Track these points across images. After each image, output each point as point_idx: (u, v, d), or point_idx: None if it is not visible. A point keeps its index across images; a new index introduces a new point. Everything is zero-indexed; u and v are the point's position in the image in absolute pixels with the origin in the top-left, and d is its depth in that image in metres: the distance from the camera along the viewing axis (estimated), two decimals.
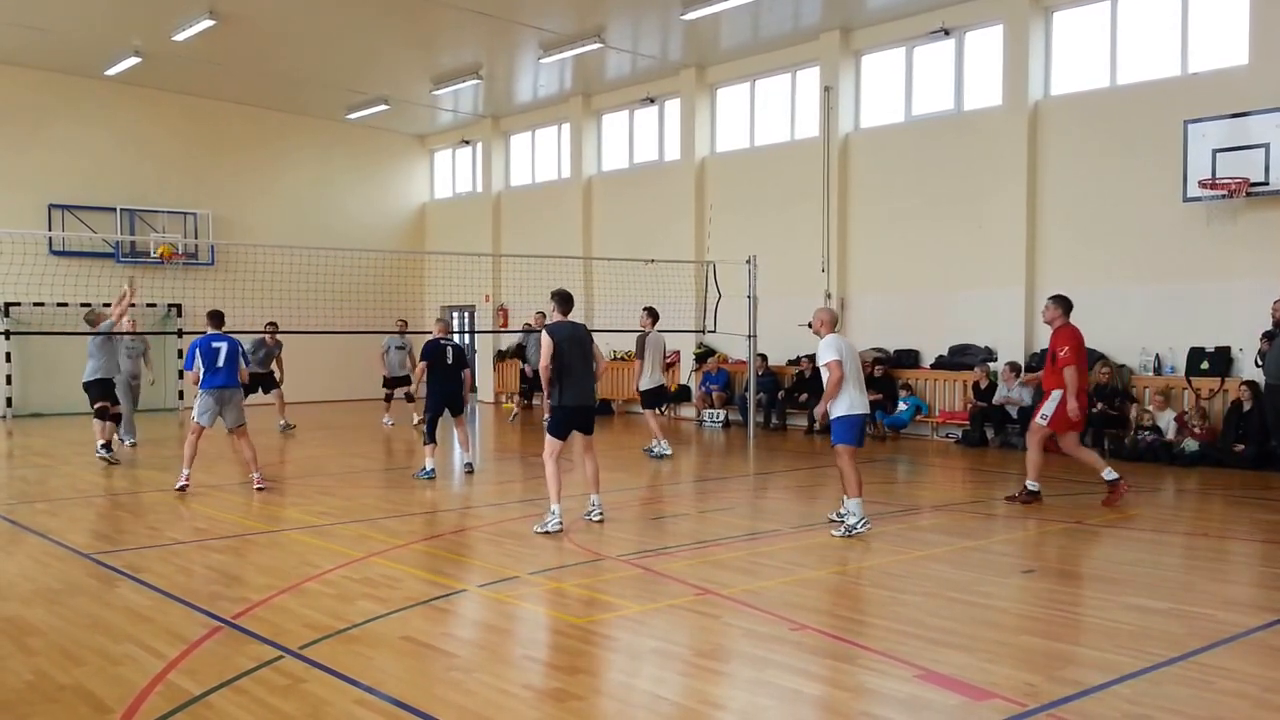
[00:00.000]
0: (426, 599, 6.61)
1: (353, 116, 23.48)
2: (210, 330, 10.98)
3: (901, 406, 16.01)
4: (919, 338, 16.47)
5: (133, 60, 19.48)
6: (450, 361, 11.75)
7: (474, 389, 12.75)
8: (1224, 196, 12.70)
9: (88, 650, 5.56)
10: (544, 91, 22.08)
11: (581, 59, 18.98)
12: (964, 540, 8.51)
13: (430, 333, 12.43)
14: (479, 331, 24.40)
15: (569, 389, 8.69)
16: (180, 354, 21.21)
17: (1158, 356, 13.82)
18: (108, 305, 13.95)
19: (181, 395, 21.06)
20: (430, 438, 11.76)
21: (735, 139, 19.51)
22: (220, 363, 10.70)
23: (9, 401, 20.70)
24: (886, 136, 16.99)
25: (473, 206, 24.95)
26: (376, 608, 6.34)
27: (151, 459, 13.72)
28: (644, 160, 21.28)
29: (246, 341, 16.21)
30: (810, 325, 9.06)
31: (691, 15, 16.19)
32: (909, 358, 16.56)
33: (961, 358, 15.71)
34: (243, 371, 10.99)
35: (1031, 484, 9.97)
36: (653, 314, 13.73)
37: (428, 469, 11.60)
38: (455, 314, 25.21)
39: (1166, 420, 13.19)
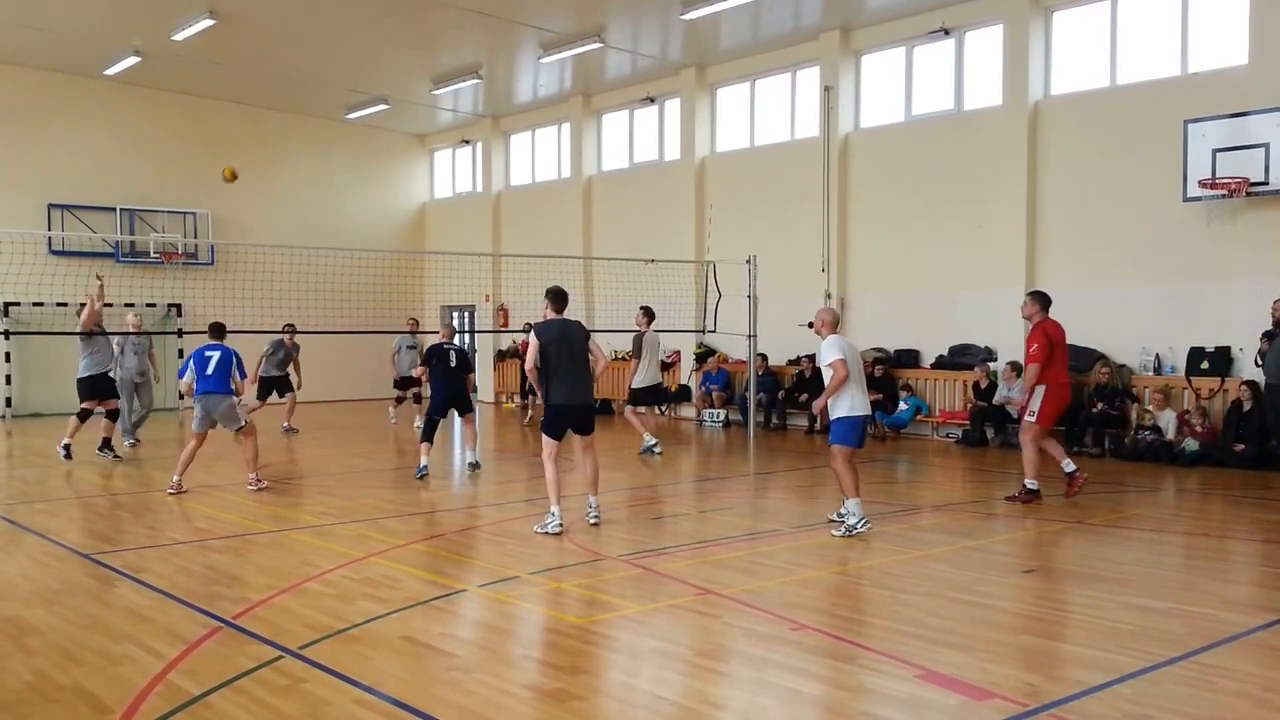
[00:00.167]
0: (426, 599, 6.60)
1: (352, 116, 23.48)
2: (210, 340, 11.00)
3: (902, 406, 16.01)
4: (919, 338, 16.47)
5: (132, 60, 19.48)
6: (453, 365, 11.92)
7: (474, 390, 12.79)
8: (1224, 196, 12.70)
9: (87, 650, 5.55)
10: (544, 91, 22.08)
11: (581, 59, 18.98)
12: (964, 540, 8.51)
13: (437, 334, 12.55)
14: (479, 331, 24.40)
15: (559, 388, 8.64)
16: (180, 354, 21.19)
17: (1158, 356, 13.82)
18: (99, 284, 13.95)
19: (181, 396, 21.03)
20: (426, 438, 11.87)
21: (735, 139, 19.51)
22: (209, 370, 10.66)
23: (8, 401, 20.70)
24: (886, 136, 16.99)
25: (473, 206, 24.95)
26: (376, 608, 6.33)
27: (151, 459, 13.71)
28: (644, 160, 21.28)
29: (264, 343, 16.32)
30: (811, 325, 9.06)
31: (691, 15, 16.19)
32: (909, 358, 16.56)
33: (961, 358, 15.71)
34: (238, 382, 10.86)
35: (1030, 482, 9.98)
36: (648, 313, 13.77)
37: (421, 465, 11.74)
38: (455, 314, 25.22)
39: (1167, 420, 13.19)
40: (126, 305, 18.89)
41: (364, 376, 22.85)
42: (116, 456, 13.27)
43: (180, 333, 20.32)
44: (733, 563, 7.59)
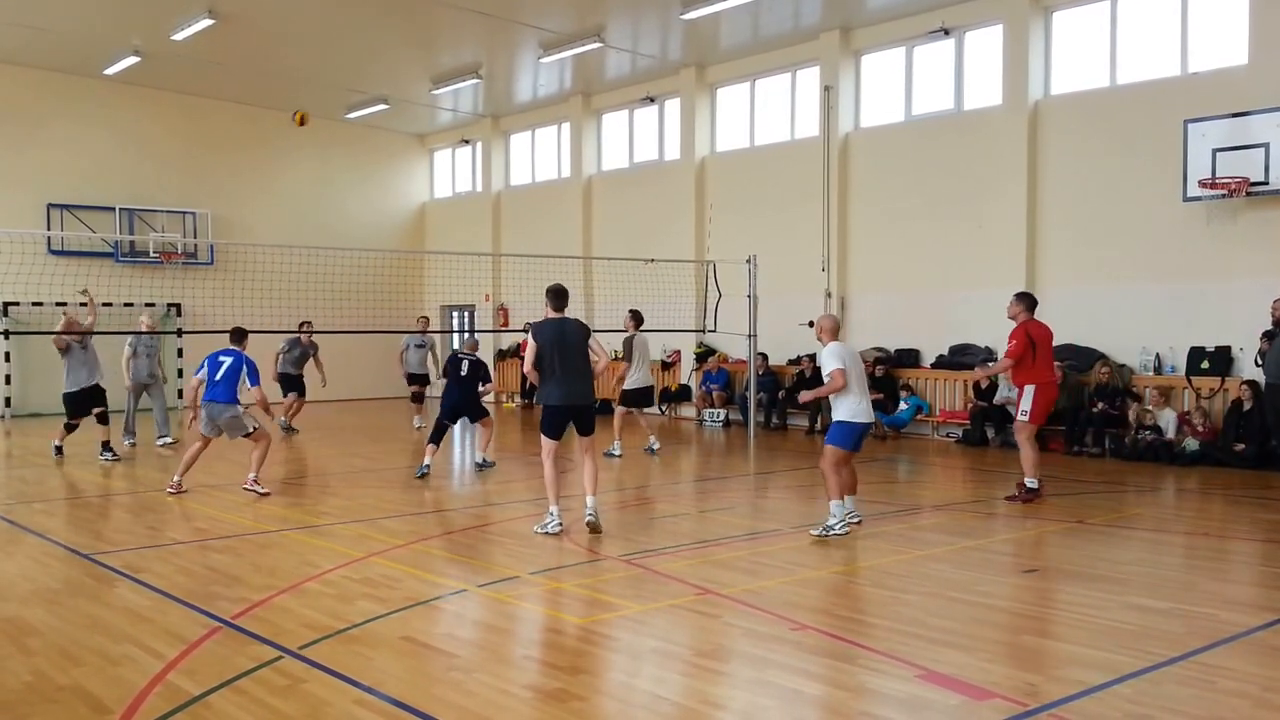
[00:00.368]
0: (426, 599, 6.60)
1: (352, 116, 23.46)
2: (228, 345, 10.89)
3: (902, 406, 16.01)
4: (919, 337, 16.47)
5: (132, 60, 19.47)
6: (463, 373, 12.17)
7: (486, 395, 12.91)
8: (1224, 196, 12.69)
9: (87, 651, 5.55)
10: (544, 91, 22.07)
11: (581, 58, 18.97)
12: (964, 540, 8.50)
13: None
14: (479, 331, 24.37)
15: (554, 388, 8.59)
16: (180, 353, 21.24)
17: (1158, 356, 13.81)
18: (83, 304, 13.93)
19: (180, 395, 21.01)
20: (434, 440, 12.08)
21: (735, 138, 19.50)
22: (218, 377, 10.53)
23: (8, 401, 20.70)
24: (886, 136, 16.98)
25: (472, 206, 24.94)
26: (376, 608, 6.33)
27: (151, 459, 13.71)
28: (644, 160, 21.28)
29: (281, 341, 16.31)
30: (812, 324, 9.04)
31: (691, 15, 16.18)
32: (909, 357, 16.56)
33: (962, 357, 15.71)
34: (249, 391, 10.68)
35: (1030, 481, 9.99)
36: (636, 317, 13.86)
37: (424, 464, 11.85)
38: (455, 314, 25.23)
39: (1167, 420, 13.19)
40: (126, 305, 18.93)
41: (363, 376, 22.85)
42: (116, 457, 13.26)
43: (180, 332, 20.31)
44: (733, 563, 7.58)
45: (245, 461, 10.93)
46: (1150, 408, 13.36)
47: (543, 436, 8.78)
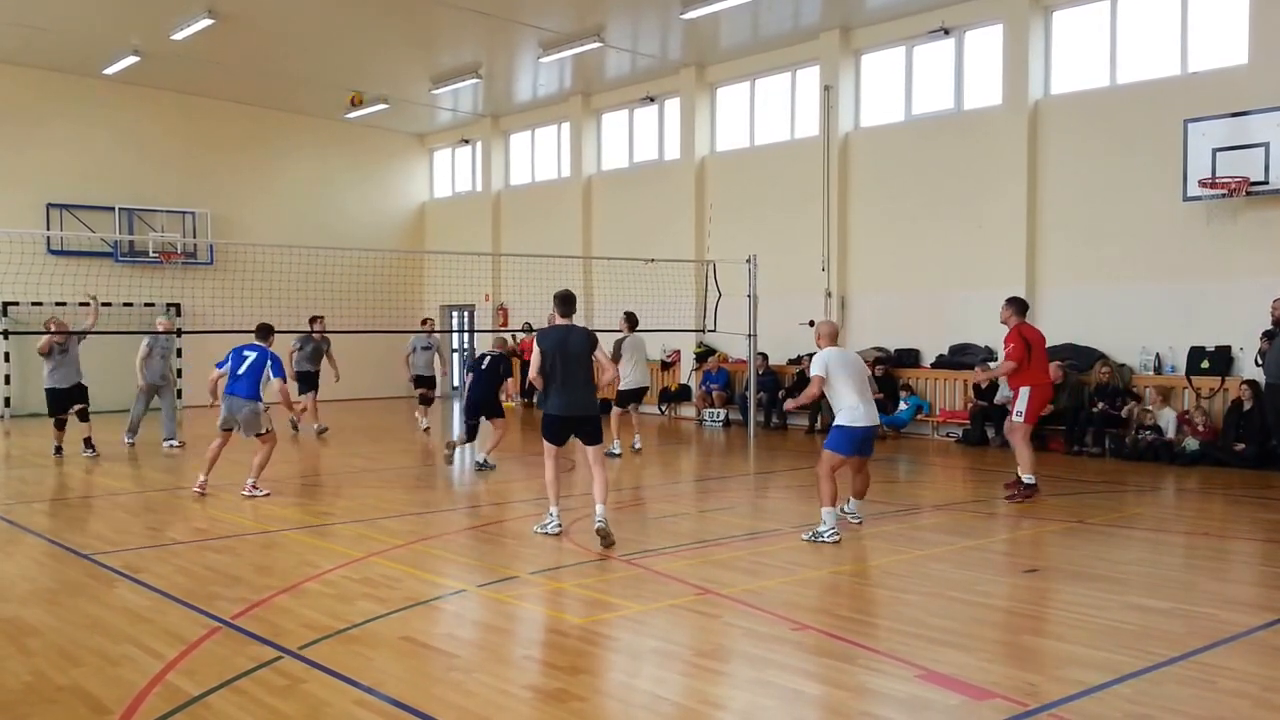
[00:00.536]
0: (426, 599, 6.60)
1: (352, 115, 23.42)
2: (254, 340, 10.81)
3: (902, 406, 16.00)
4: (919, 337, 16.47)
5: (131, 59, 19.46)
6: (484, 368, 12.45)
7: (509, 398, 13.06)
8: (1224, 196, 12.69)
9: (86, 651, 5.54)
10: (544, 91, 22.06)
11: (581, 58, 18.97)
12: (964, 540, 8.50)
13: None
14: (479, 331, 24.37)
15: (554, 397, 8.40)
16: (179, 353, 21.18)
17: (1158, 356, 13.81)
18: (85, 304, 14.09)
19: (180, 394, 21.01)
20: (468, 439, 12.69)
21: (735, 138, 19.50)
22: (241, 371, 10.47)
23: (7, 401, 20.70)
24: (886, 136, 16.98)
25: (472, 206, 24.94)
26: (376, 608, 6.32)
27: (151, 459, 13.72)
28: (644, 159, 21.27)
29: (293, 338, 16.30)
30: (812, 324, 9.04)
31: (691, 14, 16.18)
32: (909, 357, 16.56)
33: (962, 357, 15.71)
34: (272, 383, 10.56)
35: (1027, 476, 10.01)
36: (630, 319, 13.89)
37: (480, 455, 12.54)
38: (455, 313, 25.21)
39: (1167, 419, 13.18)
40: (125, 305, 18.93)
41: (364, 376, 22.80)
42: (97, 454, 13.54)
43: (180, 332, 20.28)
44: (733, 562, 7.58)
45: (246, 462, 10.91)
46: (1150, 407, 13.36)
47: (544, 440, 8.75)
